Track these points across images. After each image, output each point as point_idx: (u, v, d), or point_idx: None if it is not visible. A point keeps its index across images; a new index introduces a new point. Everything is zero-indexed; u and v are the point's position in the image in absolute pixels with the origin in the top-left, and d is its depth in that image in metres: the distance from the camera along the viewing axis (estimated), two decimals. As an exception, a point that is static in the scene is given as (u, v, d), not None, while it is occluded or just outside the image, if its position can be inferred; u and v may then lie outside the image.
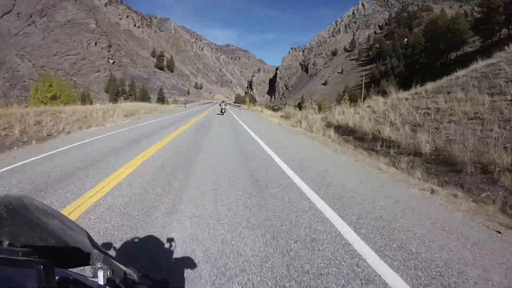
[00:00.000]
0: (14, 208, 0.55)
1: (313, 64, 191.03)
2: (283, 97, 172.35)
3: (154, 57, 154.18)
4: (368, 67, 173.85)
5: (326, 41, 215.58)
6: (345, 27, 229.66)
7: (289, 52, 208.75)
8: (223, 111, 32.61)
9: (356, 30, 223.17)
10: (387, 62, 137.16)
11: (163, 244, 2.68)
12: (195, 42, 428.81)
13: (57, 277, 0.53)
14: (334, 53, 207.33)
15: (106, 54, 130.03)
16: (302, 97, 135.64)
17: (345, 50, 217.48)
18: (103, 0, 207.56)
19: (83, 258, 0.63)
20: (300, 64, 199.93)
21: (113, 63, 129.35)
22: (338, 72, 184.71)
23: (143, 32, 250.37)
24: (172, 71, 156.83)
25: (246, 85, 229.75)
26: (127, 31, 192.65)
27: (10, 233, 0.56)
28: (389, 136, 8.32)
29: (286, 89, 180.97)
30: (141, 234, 2.83)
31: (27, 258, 0.51)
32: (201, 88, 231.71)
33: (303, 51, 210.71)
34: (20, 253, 0.53)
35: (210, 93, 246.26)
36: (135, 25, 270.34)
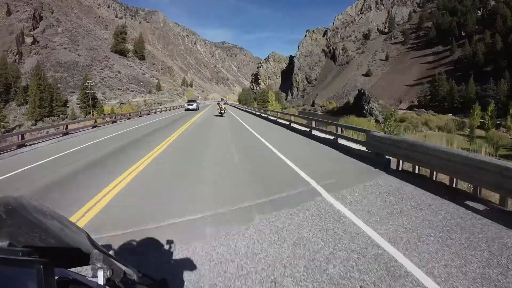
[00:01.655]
0: (13, 208, 0.55)
1: (342, 50, 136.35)
2: (304, 93, 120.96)
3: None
4: (428, 51, 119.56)
5: (355, 21, 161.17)
6: (376, 3, 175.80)
7: (305, 35, 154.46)
8: (223, 111, 26.27)
9: (391, 8, 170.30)
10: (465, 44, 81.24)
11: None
12: (186, 36, 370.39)
13: (56, 277, 0.53)
14: (366, 36, 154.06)
15: (21, 27, 74.95)
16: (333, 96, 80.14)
17: (380, 31, 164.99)
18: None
19: (83, 258, 0.62)
20: (323, 50, 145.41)
21: (32, 43, 73.80)
22: (381, 60, 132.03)
23: (125, 22, 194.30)
24: (142, 58, 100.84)
25: (250, 79, 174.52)
26: (86, 7, 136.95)
27: (10, 234, 0.56)
28: None
29: (308, 82, 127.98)
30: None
31: (27, 258, 0.51)
32: (191, 85, 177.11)
33: (325, 34, 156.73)
34: (20, 253, 0.53)
35: (203, 91, 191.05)
36: (116, 16, 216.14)
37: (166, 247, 2.92)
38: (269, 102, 57.92)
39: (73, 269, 0.62)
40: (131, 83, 70.07)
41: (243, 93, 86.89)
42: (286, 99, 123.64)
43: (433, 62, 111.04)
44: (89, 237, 0.63)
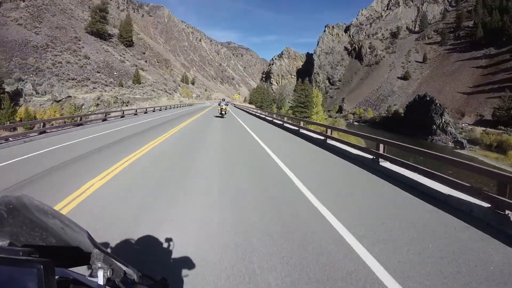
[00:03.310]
0: (14, 207, 0.53)
1: (369, 48, 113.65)
2: (327, 96, 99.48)
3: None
4: (477, 53, 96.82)
5: (381, 17, 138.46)
6: (404, 0, 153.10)
7: (325, 30, 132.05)
8: (224, 112, 21.94)
9: (422, 5, 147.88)
10: None
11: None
12: (191, 33, 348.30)
13: (57, 277, 0.52)
14: (394, 34, 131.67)
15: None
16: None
17: (409, 30, 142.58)
18: None
19: (83, 258, 0.61)
20: (345, 48, 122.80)
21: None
22: (417, 61, 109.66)
23: (126, 15, 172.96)
24: (129, 45, 78.32)
25: (261, 77, 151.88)
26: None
27: (11, 233, 0.55)
28: None
29: (331, 84, 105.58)
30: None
31: (27, 257, 0.50)
32: (193, 83, 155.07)
33: (347, 30, 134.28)
34: (21, 253, 0.51)
35: (206, 90, 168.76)
36: (118, 8, 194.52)
37: None
38: (313, 107, 35.37)
39: (73, 269, 0.61)
40: (98, 72, 47.58)
41: (257, 92, 64.62)
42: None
43: (488, 66, 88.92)
44: (89, 237, 0.62)
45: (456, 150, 40.30)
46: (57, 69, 43.21)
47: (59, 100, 28.18)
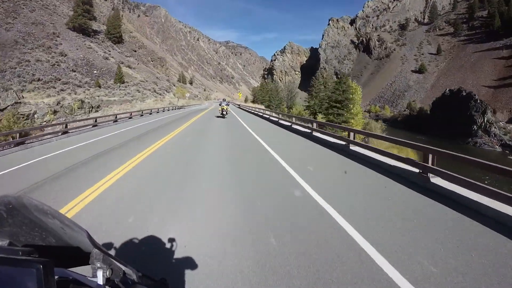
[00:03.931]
0: (13, 207, 0.53)
1: (378, 41, 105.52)
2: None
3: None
4: (496, 44, 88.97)
5: (388, 9, 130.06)
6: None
7: (328, 24, 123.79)
8: (225, 112, 20.90)
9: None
10: None
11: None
12: (189, 32, 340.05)
13: (56, 277, 0.51)
14: (403, 26, 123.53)
15: None
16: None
17: (418, 21, 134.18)
18: None
19: (83, 258, 0.60)
20: (352, 41, 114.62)
21: None
22: (430, 54, 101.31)
23: (122, 16, 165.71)
24: (118, 41, 70.51)
25: (262, 75, 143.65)
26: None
27: (10, 233, 0.54)
28: None
29: (338, 79, 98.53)
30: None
31: (27, 257, 0.49)
32: (191, 83, 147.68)
33: (353, 23, 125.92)
34: (20, 253, 0.51)
35: (205, 89, 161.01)
36: (113, 9, 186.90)
37: None
38: (352, 105, 27.43)
39: (73, 269, 0.60)
40: (74, 71, 39.80)
41: (262, 90, 56.58)
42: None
43: (511, 57, 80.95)
44: (89, 237, 0.61)
45: (511, 157, 32.53)
46: (21, 69, 35.54)
47: (4, 109, 20.55)
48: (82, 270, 0.63)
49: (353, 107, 27.23)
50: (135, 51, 76.85)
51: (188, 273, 2.24)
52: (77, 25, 58.97)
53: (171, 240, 2.84)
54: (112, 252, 2.36)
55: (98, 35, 67.19)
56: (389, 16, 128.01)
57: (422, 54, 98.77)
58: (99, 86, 35.34)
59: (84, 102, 23.54)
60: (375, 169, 5.85)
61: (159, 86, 50.25)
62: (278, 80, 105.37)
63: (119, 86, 38.51)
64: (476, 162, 4.04)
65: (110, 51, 58.11)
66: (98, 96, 28.84)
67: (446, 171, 4.47)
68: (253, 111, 27.08)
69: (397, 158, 5.87)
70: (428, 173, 4.80)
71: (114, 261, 0.63)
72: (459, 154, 4.41)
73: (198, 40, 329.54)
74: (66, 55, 45.90)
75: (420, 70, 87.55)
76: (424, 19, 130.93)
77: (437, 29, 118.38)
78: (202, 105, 49.89)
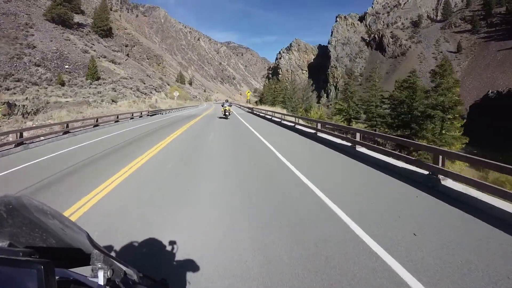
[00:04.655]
0: (14, 208, 0.52)
1: (391, 38, 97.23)
2: (347, 94, 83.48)
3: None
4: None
5: (399, 5, 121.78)
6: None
7: (336, 21, 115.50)
8: (228, 113, 20.26)
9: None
10: None
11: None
12: (189, 32, 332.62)
13: (57, 277, 0.51)
14: (415, 23, 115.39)
15: None
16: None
17: (430, 18, 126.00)
18: None
19: (83, 258, 0.60)
20: (363, 39, 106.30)
21: None
22: (450, 52, 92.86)
23: (120, 16, 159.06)
24: (106, 35, 62.24)
25: (266, 75, 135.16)
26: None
27: (11, 233, 0.53)
28: None
29: (348, 77, 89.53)
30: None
31: (28, 258, 0.49)
32: (190, 83, 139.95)
33: (362, 20, 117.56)
34: (21, 253, 0.50)
35: (205, 90, 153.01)
36: (111, 9, 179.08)
37: None
38: (451, 115, 18.49)
39: (73, 269, 0.60)
40: (39, 65, 31.49)
41: (274, 89, 48.18)
42: (319, 101, 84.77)
43: None
44: (89, 237, 0.60)
45: None
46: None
47: None
48: (83, 271, 0.63)
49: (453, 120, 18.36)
50: (126, 46, 68.41)
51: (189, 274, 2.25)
52: (56, 15, 50.70)
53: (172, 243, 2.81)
54: (113, 251, 2.46)
55: (84, 28, 58.96)
56: (401, 13, 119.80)
57: (441, 52, 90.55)
58: (62, 84, 27.05)
59: (17, 106, 15.26)
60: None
61: (146, 84, 41.81)
62: (284, 79, 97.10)
63: (90, 84, 30.12)
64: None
65: (93, 45, 49.72)
66: (50, 97, 20.57)
67: None
68: (283, 122, 16.44)
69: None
70: None
71: (115, 261, 0.62)
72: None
73: (198, 39, 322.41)
74: (35, 47, 37.60)
75: (441, 69, 79.20)
76: (436, 16, 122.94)
77: (453, 26, 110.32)
78: (197, 109, 40.74)
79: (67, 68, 33.81)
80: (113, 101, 23.91)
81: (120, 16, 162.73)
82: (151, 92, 38.60)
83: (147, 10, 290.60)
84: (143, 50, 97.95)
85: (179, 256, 2.58)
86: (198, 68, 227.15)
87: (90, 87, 29.02)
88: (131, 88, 34.84)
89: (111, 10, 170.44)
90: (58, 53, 38.54)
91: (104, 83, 32.52)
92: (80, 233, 0.59)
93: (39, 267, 0.42)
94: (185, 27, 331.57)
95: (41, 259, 0.46)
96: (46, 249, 0.55)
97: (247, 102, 50.35)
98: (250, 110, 31.18)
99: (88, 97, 23.87)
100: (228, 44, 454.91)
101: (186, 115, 23.68)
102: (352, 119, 31.27)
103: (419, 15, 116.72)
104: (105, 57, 44.93)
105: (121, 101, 25.00)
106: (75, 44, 44.22)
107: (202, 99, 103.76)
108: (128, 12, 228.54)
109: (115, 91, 29.68)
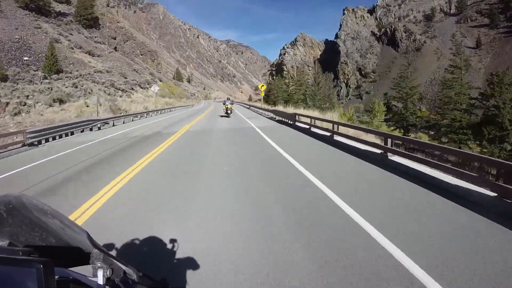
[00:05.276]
0: (13, 207, 0.52)
1: (404, 32, 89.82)
2: (360, 91, 73.77)
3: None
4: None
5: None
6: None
7: (344, 13, 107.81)
8: (230, 111, 19.49)
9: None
10: None
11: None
12: (188, 29, 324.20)
13: (56, 277, 0.51)
14: (428, 17, 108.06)
15: None
16: None
17: (444, 12, 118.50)
18: None
19: (83, 258, 0.60)
20: (373, 33, 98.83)
21: None
22: (468, 47, 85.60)
23: (117, 12, 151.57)
24: (91, 25, 54.81)
25: (269, 71, 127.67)
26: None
27: (10, 233, 0.53)
28: None
29: (362, 76, 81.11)
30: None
31: (27, 257, 0.49)
32: (189, 81, 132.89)
33: (372, 12, 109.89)
34: (20, 253, 0.50)
35: (204, 88, 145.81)
36: (108, 5, 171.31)
37: None
38: None
39: (73, 269, 0.60)
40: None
41: (289, 84, 40.99)
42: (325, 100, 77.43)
43: None
44: (89, 237, 0.60)
45: None
46: None
47: None
48: (82, 270, 0.63)
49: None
50: (114, 38, 60.90)
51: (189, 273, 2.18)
52: (30, 1, 43.30)
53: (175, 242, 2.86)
54: (114, 250, 2.47)
55: (66, 17, 51.54)
56: (412, 6, 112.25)
57: (461, 48, 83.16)
58: (4, 80, 19.89)
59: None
60: None
61: (128, 79, 34.35)
62: (290, 77, 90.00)
63: (45, 78, 22.82)
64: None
65: (71, 34, 42.25)
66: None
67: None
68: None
69: None
70: None
71: (115, 260, 0.62)
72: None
73: (198, 37, 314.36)
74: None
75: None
76: (450, 9, 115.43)
77: (468, 20, 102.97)
78: (194, 107, 32.81)
79: (26, 60, 26.52)
80: (60, 101, 16.89)
81: (117, 12, 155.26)
82: (132, 89, 31.38)
83: (146, 6, 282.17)
84: (136, 45, 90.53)
85: (180, 254, 2.60)
86: (197, 66, 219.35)
87: (41, 83, 21.83)
88: (103, 83, 27.53)
89: (107, 6, 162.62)
90: (20, 43, 31.18)
91: (67, 77, 25.27)
92: (79, 232, 0.59)
93: (39, 266, 0.42)
94: (184, 24, 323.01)
95: (40, 258, 0.46)
96: (45, 248, 0.55)
97: (261, 100, 37.77)
98: (271, 117, 18.68)
99: (28, 96, 16.84)
100: (227, 43, 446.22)
101: (156, 132, 12.38)
102: (409, 127, 23.85)
103: (432, 8, 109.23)
104: (80, 47, 37.52)
105: (77, 101, 17.85)
106: (46, 33, 36.81)
107: (201, 97, 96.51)
108: (125, 8, 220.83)
109: (76, 87, 22.49)
